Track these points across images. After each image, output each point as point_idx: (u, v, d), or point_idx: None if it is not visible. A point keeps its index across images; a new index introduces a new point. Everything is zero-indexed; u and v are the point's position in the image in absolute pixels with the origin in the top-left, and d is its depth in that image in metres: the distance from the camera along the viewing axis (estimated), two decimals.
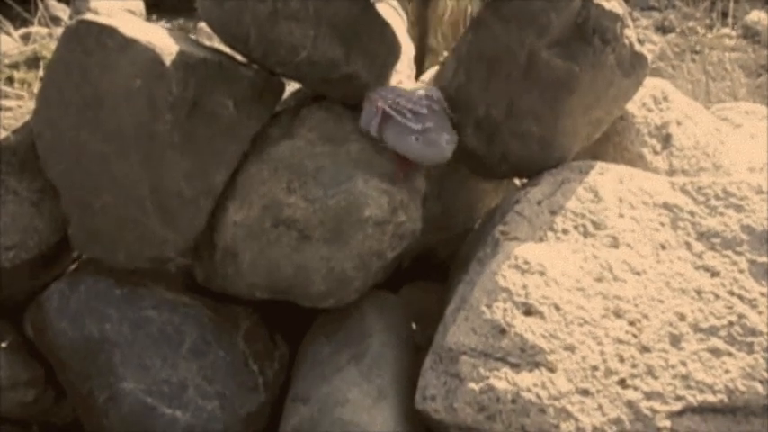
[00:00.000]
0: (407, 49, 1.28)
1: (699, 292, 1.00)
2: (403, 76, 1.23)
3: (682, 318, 0.98)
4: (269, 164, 1.10)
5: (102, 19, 1.05)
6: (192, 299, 1.15)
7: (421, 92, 1.13)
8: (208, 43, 1.26)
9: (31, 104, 1.21)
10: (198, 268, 1.15)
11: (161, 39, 1.06)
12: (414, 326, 1.19)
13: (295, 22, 1.03)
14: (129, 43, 1.03)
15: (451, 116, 1.12)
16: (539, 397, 0.91)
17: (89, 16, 1.06)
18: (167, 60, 1.03)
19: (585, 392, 0.92)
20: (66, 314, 1.12)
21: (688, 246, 1.04)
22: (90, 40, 1.04)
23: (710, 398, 0.91)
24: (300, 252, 1.07)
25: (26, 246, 1.13)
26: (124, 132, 1.04)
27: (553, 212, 1.08)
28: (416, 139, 1.07)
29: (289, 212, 1.07)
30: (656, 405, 0.91)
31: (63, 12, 2.52)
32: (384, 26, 1.17)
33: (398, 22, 1.28)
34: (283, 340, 1.20)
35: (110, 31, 1.03)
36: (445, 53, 1.50)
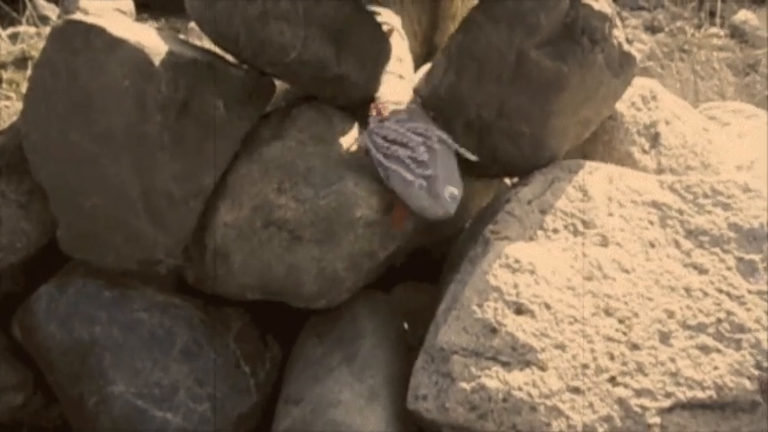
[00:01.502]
0: (408, 69, 1.27)
1: (687, 290, 1.00)
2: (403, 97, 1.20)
3: (671, 315, 0.98)
4: (259, 164, 1.10)
5: (89, 19, 1.04)
6: (182, 300, 1.15)
7: (416, 133, 1.04)
8: (198, 43, 1.25)
9: (19, 105, 1.21)
10: (188, 269, 1.14)
11: (150, 39, 1.06)
12: (405, 326, 1.19)
13: (285, 23, 1.03)
14: (118, 43, 1.02)
15: (457, 150, 1.05)
16: (530, 395, 0.92)
17: (77, 16, 1.05)
18: (156, 60, 1.02)
19: (576, 390, 0.93)
20: (56, 317, 1.11)
21: (677, 244, 1.05)
22: (78, 40, 1.03)
23: (699, 394, 0.92)
24: (292, 253, 1.07)
25: (14, 248, 1.12)
26: (113, 133, 1.03)
27: (543, 211, 1.08)
28: (420, 187, 1.00)
29: (280, 213, 1.07)
30: (646, 402, 0.92)
31: (52, 11, 2.49)
32: (375, 28, 1.17)
33: (398, 41, 1.27)
34: (275, 341, 1.20)
35: (98, 31, 1.02)
36: None
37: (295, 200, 1.07)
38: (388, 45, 1.20)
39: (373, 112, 1.14)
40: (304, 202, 1.06)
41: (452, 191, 1.02)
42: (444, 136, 1.07)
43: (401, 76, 1.21)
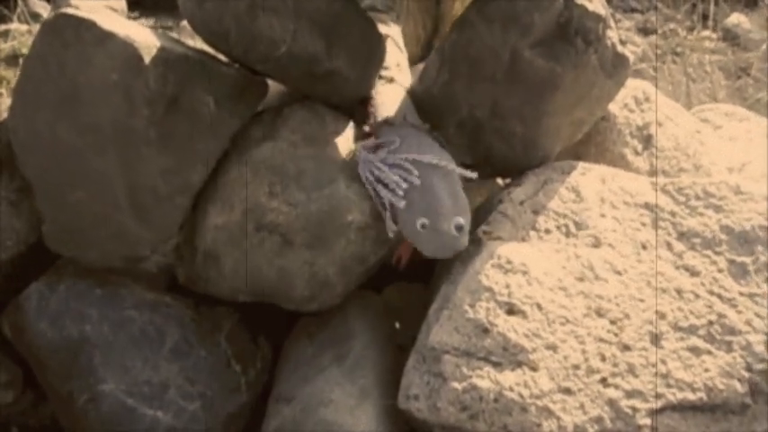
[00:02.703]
0: (405, 77, 1.26)
1: (679, 292, 1.01)
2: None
3: (662, 317, 0.98)
4: (250, 166, 1.09)
5: (80, 12, 1.03)
6: (173, 299, 1.14)
7: (397, 167, 0.95)
8: (190, 42, 1.25)
9: (9, 102, 1.19)
10: (179, 269, 1.13)
11: (140, 34, 1.05)
12: (397, 326, 1.19)
13: (275, 16, 1.02)
14: (108, 37, 1.01)
15: (454, 171, 0.94)
16: (521, 396, 0.92)
17: (68, 9, 1.04)
18: (145, 55, 1.01)
19: (567, 391, 0.93)
20: (46, 315, 1.10)
21: (668, 245, 1.06)
22: (68, 33, 1.02)
23: (690, 396, 0.92)
24: (283, 257, 1.06)
25: (4, 245, 1.12)
26: (100, 127, 1.03)
27: (536, 212, 1.09)
28: (422, 226, 0.92)
29: (271, 217, 1.06)
30: (637, 403, 0.92)
31: (43, 8, 2.47)
32: (368, 25, 1.17)
33: (395, 50, 1.27)
34: (266, 341, 1.19)
35: (88, 25, 1.02)
36: None
37: (286, 203, 1.06)
38: (382, 43, 1.19)
39: (365, 129, 1.12)
40: (295, 206, 1.06)
41: (458, 221, 0.94)
42: (436, 160, 0.96)
43: (392, 79, 1.21)
